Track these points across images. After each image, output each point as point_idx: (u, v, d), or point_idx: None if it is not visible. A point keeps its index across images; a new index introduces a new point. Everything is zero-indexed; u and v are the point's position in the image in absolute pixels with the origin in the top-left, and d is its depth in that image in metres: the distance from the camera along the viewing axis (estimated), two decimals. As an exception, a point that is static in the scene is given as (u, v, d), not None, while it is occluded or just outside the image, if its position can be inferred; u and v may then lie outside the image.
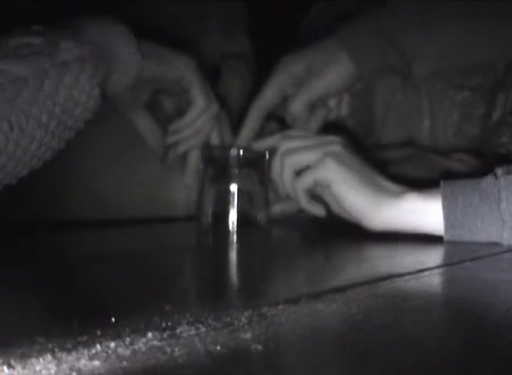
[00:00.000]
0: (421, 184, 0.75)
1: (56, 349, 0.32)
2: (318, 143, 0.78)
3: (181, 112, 0.85)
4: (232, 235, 0.80)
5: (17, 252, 0.63)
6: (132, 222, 0.89)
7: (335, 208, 0.78)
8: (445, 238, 0.73)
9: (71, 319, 0.37)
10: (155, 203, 0.93)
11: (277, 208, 0.87)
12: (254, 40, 1.09)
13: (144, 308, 0.40)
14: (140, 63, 0.74)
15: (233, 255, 0.70)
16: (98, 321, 0.37)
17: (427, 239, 0.78)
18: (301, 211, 0.83)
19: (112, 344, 0.33)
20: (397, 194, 0.74)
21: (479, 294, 0.50)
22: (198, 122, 0.85)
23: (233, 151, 0.84)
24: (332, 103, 0.91)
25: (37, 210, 0.85)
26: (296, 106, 0.88)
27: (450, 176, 0.76)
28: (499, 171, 0.71)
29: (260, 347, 0.33)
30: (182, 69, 0.81)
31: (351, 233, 0.79)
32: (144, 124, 0.86)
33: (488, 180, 0.71)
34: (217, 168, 0.84)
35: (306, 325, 0.38)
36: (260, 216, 0.85)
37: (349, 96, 0.93)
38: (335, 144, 0.77)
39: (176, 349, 0.33)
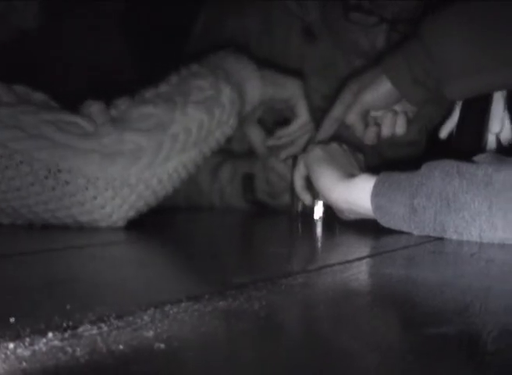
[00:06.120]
0: None
1: (-48, 351, 0.31)
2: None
3: (279, 124, 1.10)
4: (318, 222, 0.95)
5: None
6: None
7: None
8: (371, 207, 0.77)
9: (-32, 320, 0.36)
10: None
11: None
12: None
13: (44, 308, 0.40)
14: (262, 89, 0.95)
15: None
16: (-4, 321, 0.36)
17: (327, 238, 0.79)
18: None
19: (11, 345, 0.32)
20: (353, 177, 0.81)
21: (379, 289, 0.52)
22: (298, 133, 1.08)
23: None
24: (387, 121, 1.04)
25: None
26: (350, 118, 1.03)
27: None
28: None
29: (163, 345, 0.33)
30: (292, 90, 1.02)
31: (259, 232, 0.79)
32: (257, 135, 1.10)
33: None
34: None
35: (208, 323, 0.38)
36: None
37: (404, 116, 1.04)
38: (333, 143, 0.93)
39: (78, 349, 0.32)
